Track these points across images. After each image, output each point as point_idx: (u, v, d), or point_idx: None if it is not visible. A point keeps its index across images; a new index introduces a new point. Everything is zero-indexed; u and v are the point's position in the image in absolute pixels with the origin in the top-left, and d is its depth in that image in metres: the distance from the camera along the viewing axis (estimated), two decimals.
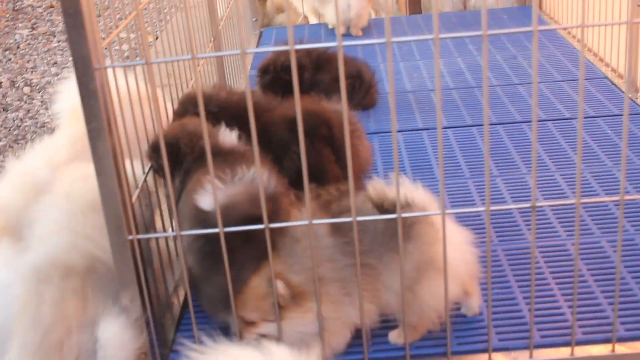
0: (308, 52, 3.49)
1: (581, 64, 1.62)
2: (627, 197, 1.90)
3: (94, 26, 1.64)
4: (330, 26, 5.17)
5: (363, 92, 3.64)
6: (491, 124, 3.40)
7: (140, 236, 1.84)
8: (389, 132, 3.43)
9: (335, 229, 1.87)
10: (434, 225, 1.87)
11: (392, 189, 1.82)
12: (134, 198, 1.88)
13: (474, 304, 2.08)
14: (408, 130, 3.42)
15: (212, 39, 3.51)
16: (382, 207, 1.85)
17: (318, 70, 3.53)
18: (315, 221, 1.77)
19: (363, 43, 1.64)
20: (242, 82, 4.17)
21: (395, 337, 2.03)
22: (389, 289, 1.90)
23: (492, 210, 1.79)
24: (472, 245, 1.94)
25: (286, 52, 3.20)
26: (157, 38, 4.75)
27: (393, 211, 1.78)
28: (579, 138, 1.65)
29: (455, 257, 1.87)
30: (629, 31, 1.59)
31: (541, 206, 2.07)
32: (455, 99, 3.74)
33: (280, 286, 1.81)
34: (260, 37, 5.22)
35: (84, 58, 1.62)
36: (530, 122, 3.40)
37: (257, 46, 5.03)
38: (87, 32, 1.60)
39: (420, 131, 3.41)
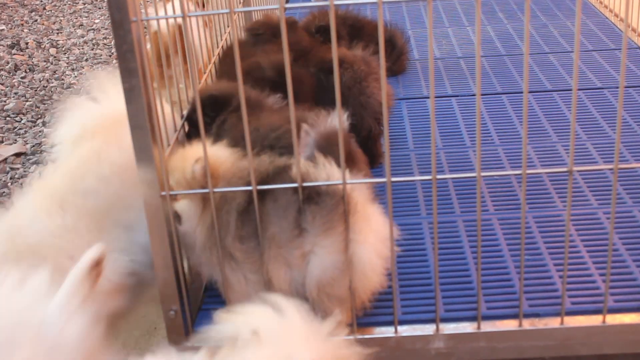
0: (343, 19, 3.47)
1: (624, 37, 1.59)
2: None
3: None
4: None
5: (394, 58, 3.61)
6: (521, 92, 3.36)
7: (173, 192, 1.84)
8: (417, 98, 3.41)
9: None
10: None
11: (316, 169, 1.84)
12: (166, 153, 1.87)
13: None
14: (437, 97, 3.38)
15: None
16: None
17: (354, 38, 3.52)
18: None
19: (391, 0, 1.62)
20: None
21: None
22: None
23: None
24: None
25: (320, 14, 3.19)
26: None
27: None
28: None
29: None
30: None
31: (578, 170, 2.04)
32: (485, 66, 3.70)
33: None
34: None
35: (121, 9, 1.60)
36: (561, 90, 3.36)
37: None
38: None
39: (450, 98, 3.38)
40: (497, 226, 2.36)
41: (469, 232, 2.35)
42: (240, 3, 3.52)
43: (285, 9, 1.48)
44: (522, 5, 4.63)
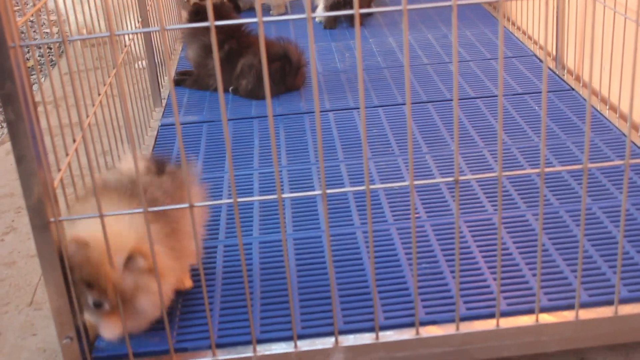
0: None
1: (500, 38, 1.64)
2: (548, 169, 1.93)
3: (7, 2, 1.59)
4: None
5: (293, 74, 3.64)
6: (421, 102, 3.43)
7: (62, 218, 1.81)
8: (323, 111, 3.44)
9: None
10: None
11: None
12: (56, 182, 1.85)
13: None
14: (339, 110, 3.43)
15: (140, 20, 3.45)
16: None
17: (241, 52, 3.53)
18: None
19: (284, 18, 1.63)
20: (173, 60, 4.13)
21: None
22: None
23: (417, 185, 1.81)
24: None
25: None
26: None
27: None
28: (500, 111, 1.67)
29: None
30: (547, 5, 1.61)
31: (464, 179, 2.09)
32: (387, 77, 3.76)
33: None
34: None
35: None
36: (483, 97, 3.47)
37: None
38: None
39: (352, 110, 3.42)
40: (430, 232, 2.41)
41: (403, 240, 2.39)
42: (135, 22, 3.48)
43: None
44: (423, 17, 4.74)
